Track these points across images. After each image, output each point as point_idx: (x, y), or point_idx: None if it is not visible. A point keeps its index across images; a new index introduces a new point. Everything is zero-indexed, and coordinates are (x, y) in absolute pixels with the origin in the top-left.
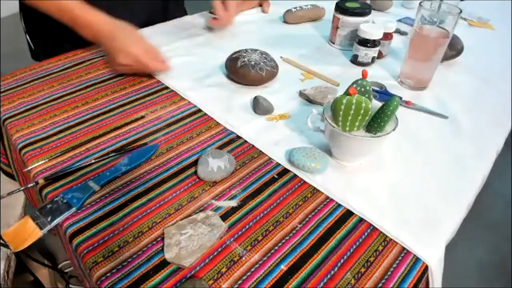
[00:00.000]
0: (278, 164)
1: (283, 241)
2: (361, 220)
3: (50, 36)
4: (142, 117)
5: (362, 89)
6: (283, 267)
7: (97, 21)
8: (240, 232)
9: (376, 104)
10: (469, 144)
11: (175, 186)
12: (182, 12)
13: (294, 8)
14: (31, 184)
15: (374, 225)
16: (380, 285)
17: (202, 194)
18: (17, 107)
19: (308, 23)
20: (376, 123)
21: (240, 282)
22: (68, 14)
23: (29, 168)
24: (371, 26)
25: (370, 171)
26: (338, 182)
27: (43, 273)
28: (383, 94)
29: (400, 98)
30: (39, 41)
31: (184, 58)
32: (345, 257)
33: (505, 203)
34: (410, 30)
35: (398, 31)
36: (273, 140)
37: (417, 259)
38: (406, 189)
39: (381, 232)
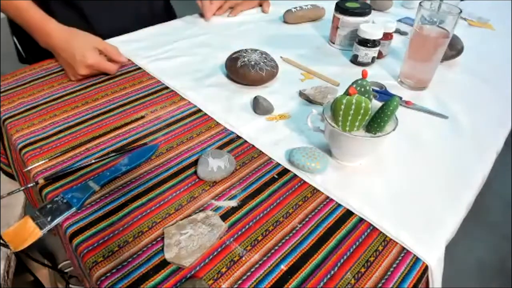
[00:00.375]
0: (278, 164)
1: (283, 241)
2: (361, 220)
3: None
4: (142, 117)
5: (362, 89)
6: (283, 267)
7: (51, 28)
8: (240, 232)
9: (376, 104)
10: (469, 144)
11: (175, 186)
12: (170, 13)
13: (294, 8)
14: (31, 184)
15: (374, 225)
16: (380, 285)
17: (202, 194)
18: (17, 107)
19: (308, 23)
20: (376, 123)
21: (240, 282)
22: (24, 15)
23: (29, 168)
24: (371, 26)
25: (370, 171)
26: (338, 182)
27: (43, 273)
28: (383, 94)
29: (400, 98)
30: (27, 44)
31: (184, 58)
32: (345, 257)
33: (505, 203)
34: (410, 30)
35: (398, 31)
36: (273, 140)
37: (417, 259)
38: (406, 189)
39: (381, 232)
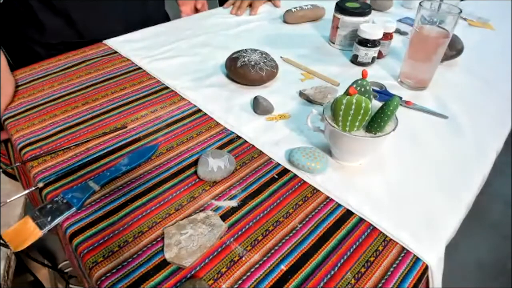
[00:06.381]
0: (278, 164)
1: (283, 241)
2: (361, 220)
3: (18, 47)
4: (142, 117)
5: (362, 89)
6: (283, 267)
7: None
8: (240, 232)
9: (376, 104)
10: (469, 144)
11: (175, 186)
12: (162, 13)
13: (294, 8)
14: (32, 189)
15: (374, 225)
16: (380, 285)
17: (202, 194)
18: (17, 107)
19: (308, 23)
20: (376, 123)
21: (240, 282)
22: None
23: (29, 168)
24: (371, 26)
25: (370, 171)
26: (338, 182)
27: (43, 273)
28: (383, 94)
29: (400, 98)
30: (13, 53)
31: (184, 58)
32: (345, 257)
33: (505, 203)
34: (410, 30)
35: (398, 31)
36: (273, 140)
37: (417, 259)
38: (406, 189)
39: (381, 232)
